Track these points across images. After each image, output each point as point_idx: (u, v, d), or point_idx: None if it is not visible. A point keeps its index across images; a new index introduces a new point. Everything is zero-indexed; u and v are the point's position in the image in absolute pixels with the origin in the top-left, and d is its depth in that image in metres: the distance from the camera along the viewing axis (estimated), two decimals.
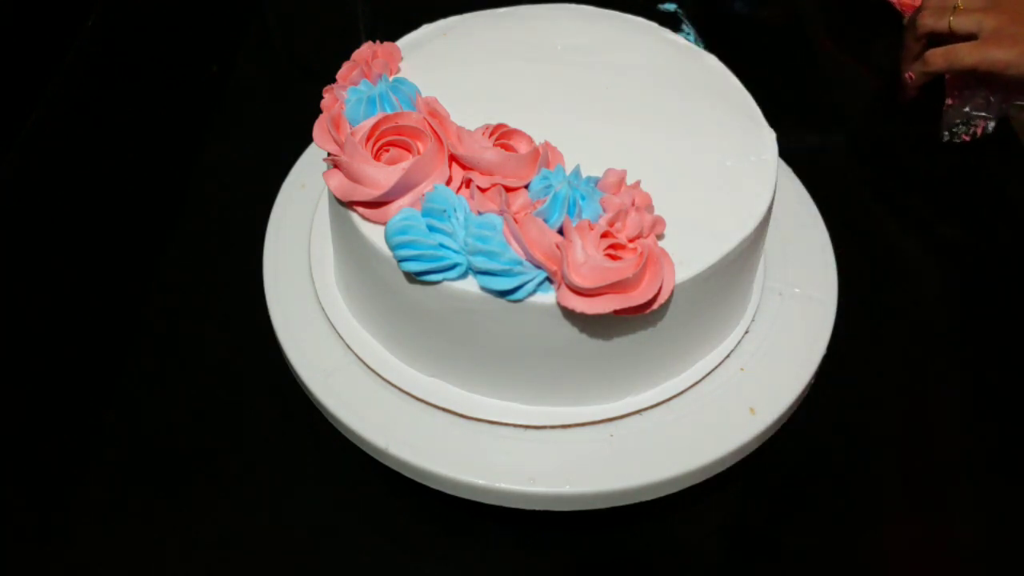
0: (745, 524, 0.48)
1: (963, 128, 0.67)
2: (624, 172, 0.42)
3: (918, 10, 0.68)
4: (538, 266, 0.39)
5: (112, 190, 0.65)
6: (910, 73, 0.68)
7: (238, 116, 0.72)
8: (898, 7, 0.78)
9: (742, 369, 0.47)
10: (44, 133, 0.69)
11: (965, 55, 0.63)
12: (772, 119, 0.49)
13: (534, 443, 0.44)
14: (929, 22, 0.66)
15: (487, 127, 0.43)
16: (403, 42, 0.52)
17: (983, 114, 0.66)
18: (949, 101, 0.68)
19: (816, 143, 0.69)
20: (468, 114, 0.45)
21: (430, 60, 0.51)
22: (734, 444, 0.44)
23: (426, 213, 0.41)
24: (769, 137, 0.47)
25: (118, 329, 0.56)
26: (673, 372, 0.46)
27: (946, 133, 0.68)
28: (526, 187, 0.42)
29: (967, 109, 0.67)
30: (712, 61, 0.52)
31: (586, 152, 0.44)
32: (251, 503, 0.48)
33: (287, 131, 0.56)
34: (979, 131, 0.67)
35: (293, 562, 0.46)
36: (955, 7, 0.64)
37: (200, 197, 0.65)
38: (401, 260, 0.40)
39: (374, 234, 0.42)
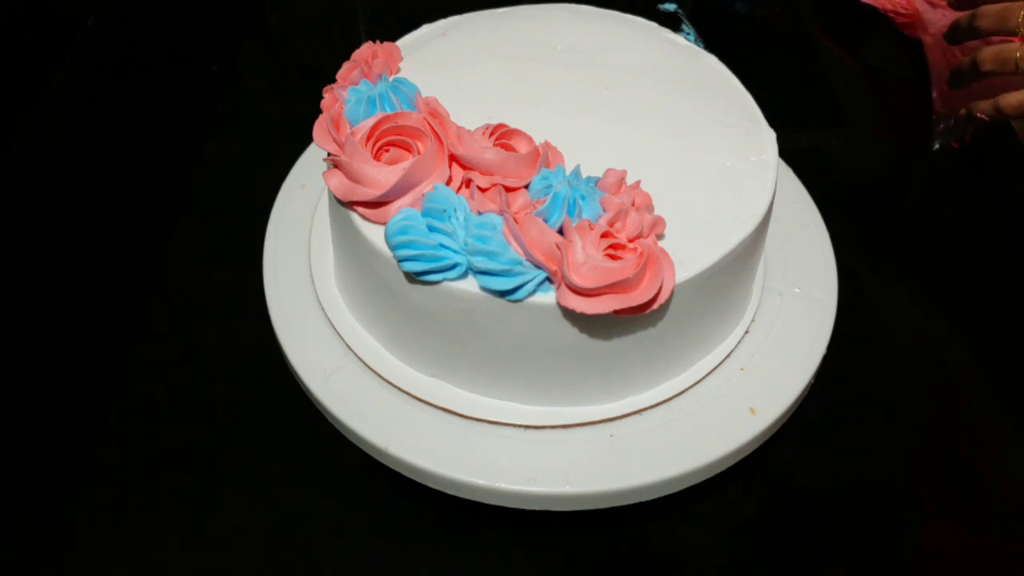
0: (745, 524, 0.48)
1: (953, 135, 0.67)
2: (624, 172, 0.42)
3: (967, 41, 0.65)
4: (538, 266, 0.39)
5: (112, 190, 0.65)
6: (981, 113, 0.63)
7: (238, 116, 0.72)
8: (889, 14, 0.78)
9: (742, 369, 0.47)
10: (44, 133, 0.69)
11: None
12: (772, 119, 0.49)
13: (534, 443, 0.44)
14: (991, 67, 0.61)
15: (487, 127, 0.43)
16: (403, 42, 0.52)
17: (980, 117, 0.65)
18: (940, 111, 0.67)
19: (816, 143, 0.69)
20: (468, 114, 0.45)
21: (430, 60, 0.51)
22: (734, 444, 0.44)
23: (426, 213, 0.41)
24: (769, 137, 0.47)
25: (118, 329, 0.56)
26: (673, 372, 0.46)
27: (937, 143, 0.67)
28: (526, 187, 0.42)
29: (959, 113, 0.66)
30: (712, 61, 0.52)
31: (586, 152, 0.44)
32: (251, 503, 0.48)
33: (287, 131, 0.56)
34: (967, 136, 0.66)
35: (293, 562, 0.46)
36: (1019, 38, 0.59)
37: (200, 197, 0.65)
38: (401, 260, 0.41)
39: (374, 234, 0.42)
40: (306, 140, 0.51)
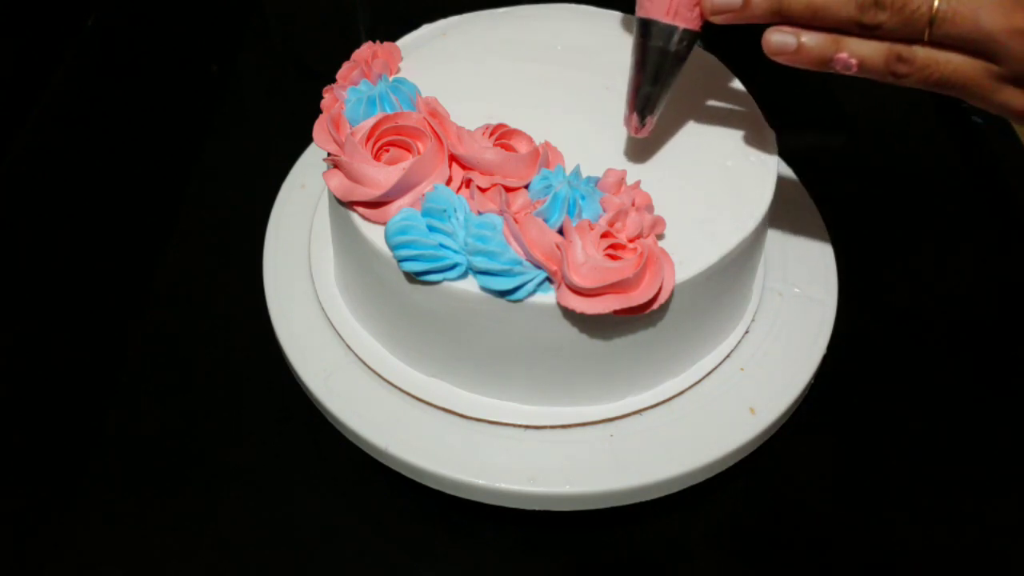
0: (745, 524, 0.48)
1: None
2: (624, 172, 0.42)
3: None
4: (538, 266, 0.39)
5: (112, 190, 0.65)
6: None
7: (238, 116, 0.72)
8: None
9: (742, 369, 0.47)
10: (44, 133, 0.69)
11: None
12: (772, 119, 0.49)
13: (534, 443, 0.44)
14: None
15: (487, 127, 0.43)
16: (403, 42, 0.52)
17: None
18: None
19: (816, 143, 0.69)
20: (468, 114, 0.45)
21: (430, 60, 0.51)
22: (734, 444, 0.44)
23: (426, 213, 0.41)
24: (769, 137, 0.47)
25: (118, 329, 0.56)
26: (673, 372, 0.46)
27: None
28: (526, 187, 0.42)
29: None
30: (712, 61, 0.52)
31: (586, 152, 0.44)
32: (251, 503, 0.48)
33: (287, 131, 0.56)
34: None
35: (293, 562, 0.46)
36: None
37: (200, 197, 0.65)
38: (401, 260, 0.41)
39: (374, 234, 0.42)
40: (306, 140, 0.51)
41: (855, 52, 0.36)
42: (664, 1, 0.39)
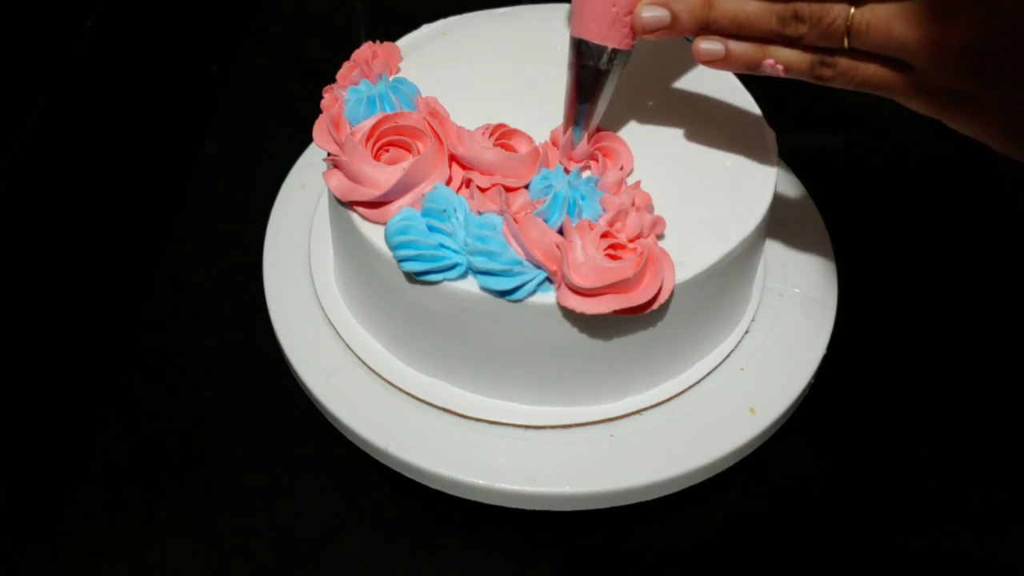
0: (745, 524, 0.48)
1: None
2: (624, 172, 0.42)
3: None
4: (538, 266, 0.39)
5: (112, 190, 0.65)
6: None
7: (238, 116, 0.72)
8: None
9: (742, 369, 0.47)
10: (44, 133, 0.69)
11: None
12: (772, 119, 0.49)
13: (534, 443, 0.44)
14: None
15: (487, 127, 0.43)
16: (403, 42, 0.52)
17: None
18: None
19: (816, 143, 0.69)
20: (468, 114, 0.45)
21: (430, 60, 0.51)
22: (734, 444, 0.44)
23: (426, 213, 0.41)
24: (769, 137, 0.47)
25: (118, 329, 0.56)
26: (673, 372, 0.46)
27: None
28: (526, 187, 0.42)
29: None
30: None
31: None
32: (251, 503, 0.48)
33: (287, 131, 0.56)
34: None
35: (293, 562, 0.46)
36: None
37: (200, 197, 0.65)
38: (401, 260, 0.41)
39: (374, 234, 0.42)
40: (306, 140, 0.51)
41: (781, 59, 0.38)
42: (594, 22, 0.40)
